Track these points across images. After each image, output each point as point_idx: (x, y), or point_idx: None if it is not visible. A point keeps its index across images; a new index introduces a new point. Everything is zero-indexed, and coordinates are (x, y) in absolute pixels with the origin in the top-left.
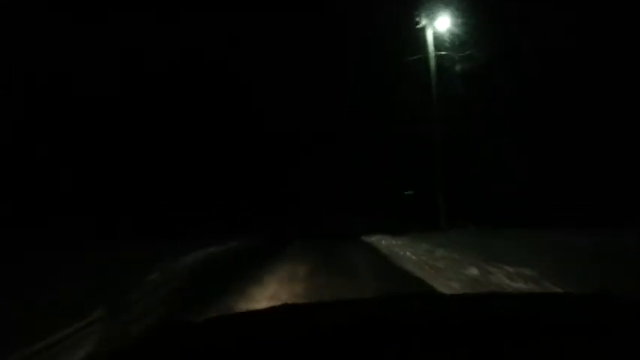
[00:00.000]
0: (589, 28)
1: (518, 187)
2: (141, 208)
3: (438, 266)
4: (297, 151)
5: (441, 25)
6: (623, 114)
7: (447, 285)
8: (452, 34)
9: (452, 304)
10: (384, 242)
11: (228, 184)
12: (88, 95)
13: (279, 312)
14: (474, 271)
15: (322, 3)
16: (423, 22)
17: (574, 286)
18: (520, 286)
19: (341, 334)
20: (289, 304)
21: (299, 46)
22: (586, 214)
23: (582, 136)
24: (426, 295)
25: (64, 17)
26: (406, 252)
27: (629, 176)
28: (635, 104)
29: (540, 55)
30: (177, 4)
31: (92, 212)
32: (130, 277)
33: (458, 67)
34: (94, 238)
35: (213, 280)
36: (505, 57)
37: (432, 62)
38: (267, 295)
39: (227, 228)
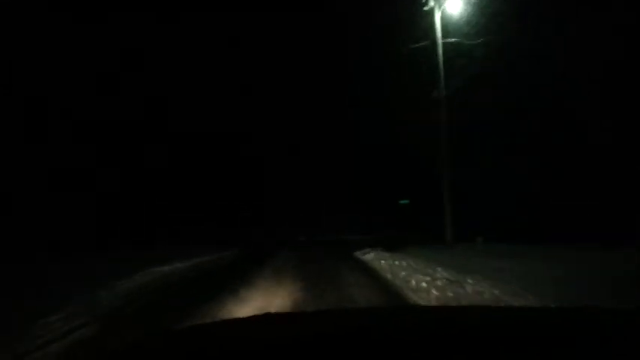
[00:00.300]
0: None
1: (521, 189)
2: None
3: None
4: (295, 155)
5: (451, 6)
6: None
7: None
8: (464, 18)
9: (436, 316)
10: (383, 262)
11: (229, 187)
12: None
13: (261, 321)
14: None
15: (322, 3)
16: (431, 3)
17: None
18: None
19: (322, 344)
20: (271, 313)
21: (299, 46)
22: (590, 216)
23: (590, 135)
24: (411, 307)
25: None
26: (420, 282)
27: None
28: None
29: (563, 47)
30: (178, 4)
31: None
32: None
33: (468, 58)
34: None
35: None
36: (523, 46)
37: (440, 50)
38: None
39: (226, 228)
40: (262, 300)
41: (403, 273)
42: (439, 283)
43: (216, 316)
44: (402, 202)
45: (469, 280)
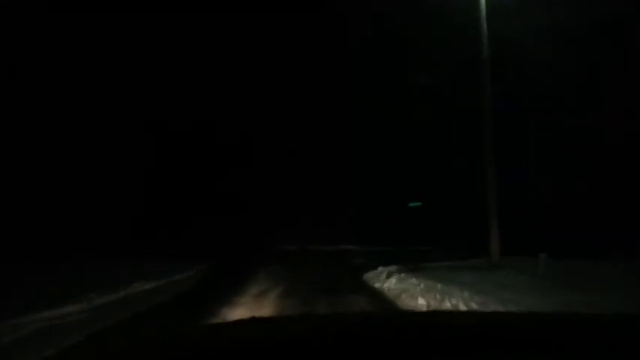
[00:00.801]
0: None
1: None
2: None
3: None
4: (291, 157)
5: None
6: None
7: None
8: None
9: (425, 321)
10: (422, 302)
11: (214, 194)
12: None
13: (247, 325)
14: None
15: (322, 3)
16: None
17: None
18: None
19: (305, 348)
20: (257, 317)
21: (298, 46)
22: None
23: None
24: (398, 312)
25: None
26: None
27: None
28: None
29: None
30: (178, 4)
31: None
32: None
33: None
34: None
35: None
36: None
37: None
38: None
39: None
40: None
41: None
42: None
43: None
44: (412, 204)
45: None
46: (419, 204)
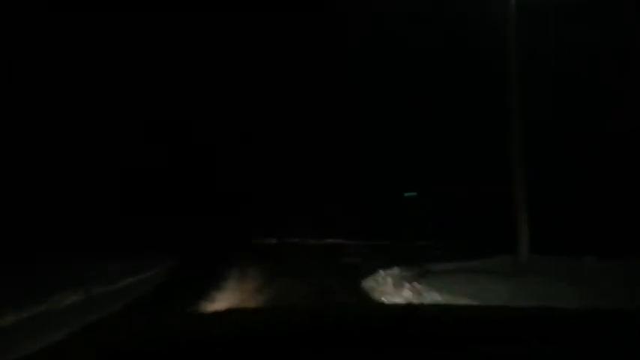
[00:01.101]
0: None
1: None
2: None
3: None
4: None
5: None
6: None
7: None
8: None
9: (397, 313)
10: None
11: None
12: None
13: (224, 315)
14: None
15: (322, 3)
16: None
17: None
18: None
19: (272, 338)
20: (234, 309)
21: (299, 45)
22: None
23: None
24: (379, 305)
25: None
26: None
27: None
28: None
29: None
30: (177, 4)
31: None
32: None
33: None
34: None
35: None
36: None
37: None
38: None
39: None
40: None
41: None
42: None
43: None
44: (407, 194)
45: None
46: (414, 194)
